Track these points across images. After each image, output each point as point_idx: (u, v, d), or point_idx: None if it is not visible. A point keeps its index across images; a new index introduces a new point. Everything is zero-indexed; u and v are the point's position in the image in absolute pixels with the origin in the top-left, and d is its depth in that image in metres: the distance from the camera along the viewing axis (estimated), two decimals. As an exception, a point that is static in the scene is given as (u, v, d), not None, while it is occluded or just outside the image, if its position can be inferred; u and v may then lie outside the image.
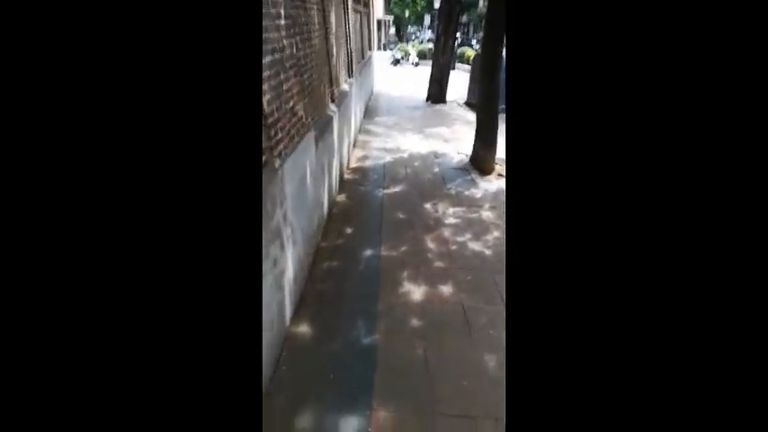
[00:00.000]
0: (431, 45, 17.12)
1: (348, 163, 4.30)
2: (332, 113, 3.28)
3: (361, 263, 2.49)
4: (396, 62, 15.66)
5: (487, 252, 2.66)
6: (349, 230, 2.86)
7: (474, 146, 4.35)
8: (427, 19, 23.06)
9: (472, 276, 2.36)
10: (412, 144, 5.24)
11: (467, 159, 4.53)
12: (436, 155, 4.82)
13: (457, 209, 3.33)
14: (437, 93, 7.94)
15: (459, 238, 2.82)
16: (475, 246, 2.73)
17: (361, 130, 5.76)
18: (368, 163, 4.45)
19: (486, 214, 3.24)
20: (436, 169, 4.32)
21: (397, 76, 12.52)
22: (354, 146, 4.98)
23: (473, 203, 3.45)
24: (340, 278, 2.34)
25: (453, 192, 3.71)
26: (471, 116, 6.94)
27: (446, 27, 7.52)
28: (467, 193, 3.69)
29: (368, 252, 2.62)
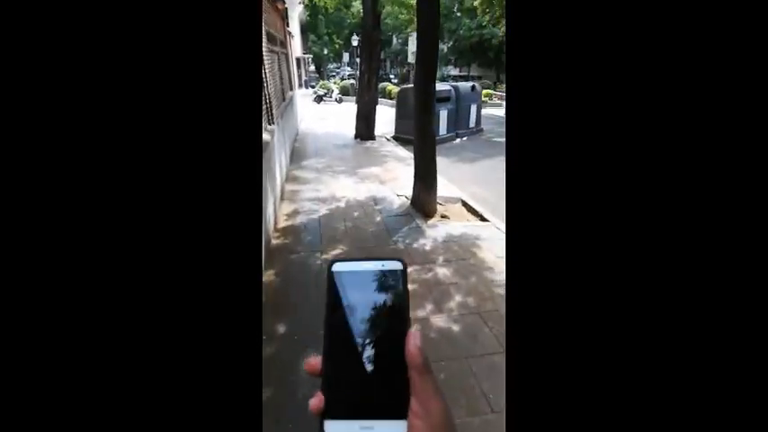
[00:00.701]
0: (352, 81, 17.40)
1: (275, 223, 3.67)
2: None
3: (301, 386, 1.85)
4: (319, 99, 15.46)
5: (455, 328, 2.22)
6: (281, 329, 2.19)
7: (414, 189, 4.09)
8: (346, 56, 23.60)
9: (444, 373, 1.88)
10: (347, 189, 4.79)
11: (408, 202, 4.23)
12: (375, 200, 4.43)
13: (409, 270, 2.89)
14: (365, 130, 7.73)
15: (420, 313, 2.36)
16: (439, 320, 2.29)
17: (288, 179, 5.16)
18: (299, 219, 3.87)
19: (443, 272, 2.85)
20: (378, 218, 3.90)
21: (321, 113, 12.26)
22: (282, 199, 4.37)
23: (425, 259, 3.06)
24: (269, 420, 1.68)
25: (401, 246, 3.30)
26: (402, 151, 6.80)
27: (368, 65, 7.46)
28: (415, 245, 3.31)
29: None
